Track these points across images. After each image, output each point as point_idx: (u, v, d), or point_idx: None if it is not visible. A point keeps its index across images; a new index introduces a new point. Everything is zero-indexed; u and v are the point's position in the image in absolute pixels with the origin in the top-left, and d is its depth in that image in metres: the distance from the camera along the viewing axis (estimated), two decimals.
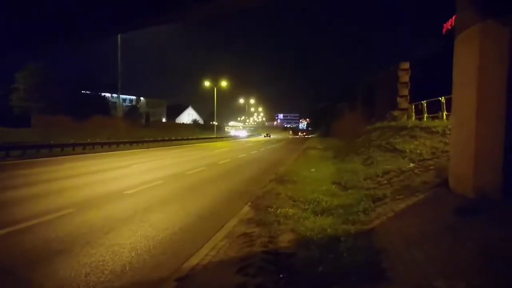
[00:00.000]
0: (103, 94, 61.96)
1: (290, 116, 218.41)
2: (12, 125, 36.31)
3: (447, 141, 8.50)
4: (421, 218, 5.21)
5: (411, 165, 8.53)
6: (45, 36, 12.75)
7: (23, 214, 6.80)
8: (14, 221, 6.25)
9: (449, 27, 25.15)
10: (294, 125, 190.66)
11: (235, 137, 63.93)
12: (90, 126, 47.58)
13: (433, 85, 16.73)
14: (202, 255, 4.65)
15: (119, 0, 10.07)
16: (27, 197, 8.48)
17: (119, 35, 31.72)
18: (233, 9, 11.25)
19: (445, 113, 11.91)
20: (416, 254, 4.04)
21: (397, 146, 10.90)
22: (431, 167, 7.53)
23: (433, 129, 10.18)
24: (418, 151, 9.18)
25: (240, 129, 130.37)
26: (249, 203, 7.76)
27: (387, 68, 20.49)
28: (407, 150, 9.76)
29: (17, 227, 5.94)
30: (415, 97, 17.15)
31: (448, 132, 8.89)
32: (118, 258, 4.68)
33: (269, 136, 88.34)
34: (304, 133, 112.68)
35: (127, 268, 4.37)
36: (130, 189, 9.57)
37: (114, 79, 35.87)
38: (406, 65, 17.83)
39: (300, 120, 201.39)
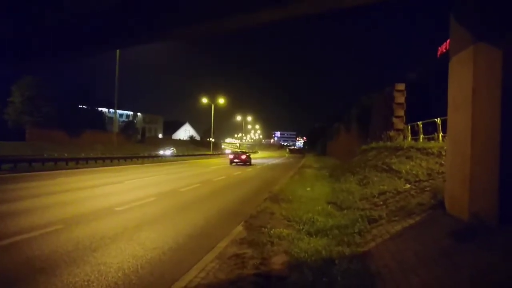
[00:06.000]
0: (100, 109, 62.07)
1: (287, 134, 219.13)
2: (6, 138, 35.99)
3: (442, 162, 8.45)
4: (417, 241, 5.10)
5: (407, 186, 8.45)
6: (42, 48, 12.69)
7: (8, 230, 6.59)
8: None
9: (444, 50, 25.70)
10: (291, 143, 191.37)
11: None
12: (85, 140, 47.43)
13: (428, 106, 16.89)
14: (191, 277, 4.48)
15: (120, 13, 10.10)
16: (14, 212, 8.24)
17: (117, 51, 31.93)
18: (234, 31, 11.39)
19: (440, 134, 11.92)
20: (412, 279, 3.91)
21: (393, 167, 10.84)
22: (427, 189, 7.46)
23: (429, 150, 10.15)
24: (414, 172, 9.12)
25: (237, 146, 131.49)
26: (242, 223, 7.60)
27: (381, 89, 20.64)
28: (403, 171, 9.70)
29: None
30: (410, 118, 17.21)
31: (443, 153, 8.87)
32: (104, 278, 4.50)
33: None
34: (301, 151, 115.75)
35: None
36: (121, 206, 9.37)
37: (112, 94, 35.93)
38: (401, 86, 17.94)
39: (297, 139, 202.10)
